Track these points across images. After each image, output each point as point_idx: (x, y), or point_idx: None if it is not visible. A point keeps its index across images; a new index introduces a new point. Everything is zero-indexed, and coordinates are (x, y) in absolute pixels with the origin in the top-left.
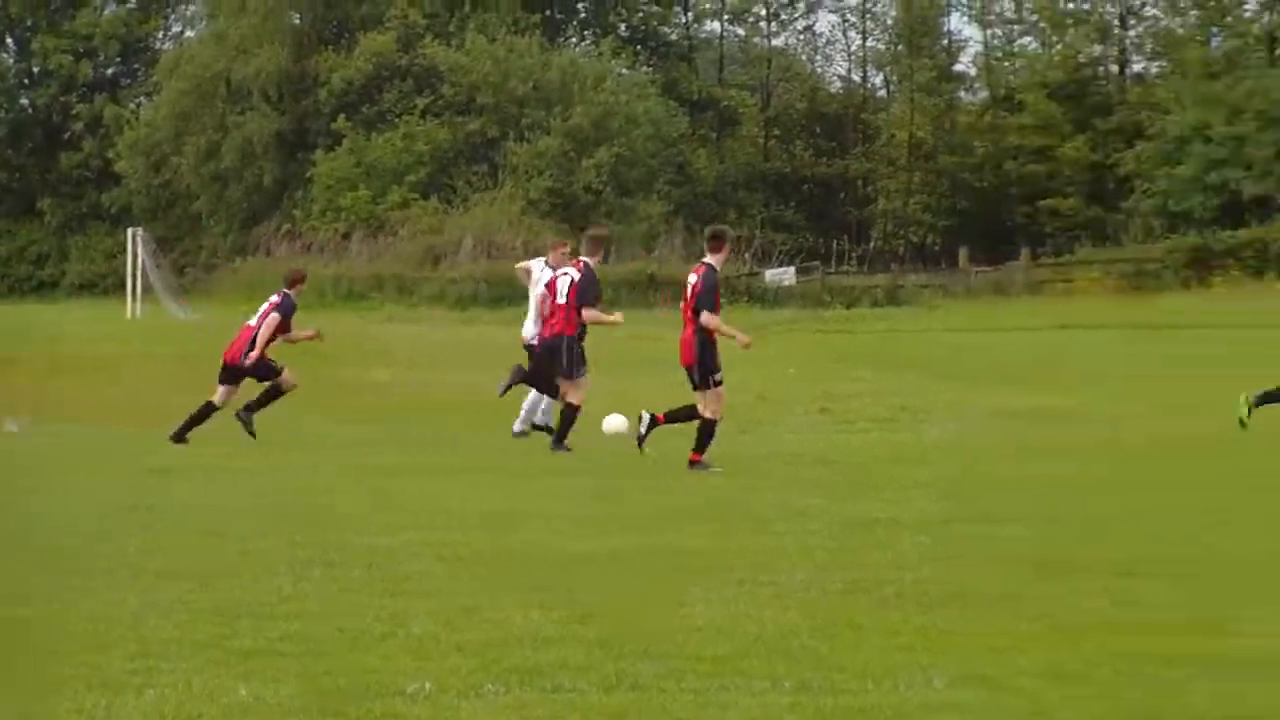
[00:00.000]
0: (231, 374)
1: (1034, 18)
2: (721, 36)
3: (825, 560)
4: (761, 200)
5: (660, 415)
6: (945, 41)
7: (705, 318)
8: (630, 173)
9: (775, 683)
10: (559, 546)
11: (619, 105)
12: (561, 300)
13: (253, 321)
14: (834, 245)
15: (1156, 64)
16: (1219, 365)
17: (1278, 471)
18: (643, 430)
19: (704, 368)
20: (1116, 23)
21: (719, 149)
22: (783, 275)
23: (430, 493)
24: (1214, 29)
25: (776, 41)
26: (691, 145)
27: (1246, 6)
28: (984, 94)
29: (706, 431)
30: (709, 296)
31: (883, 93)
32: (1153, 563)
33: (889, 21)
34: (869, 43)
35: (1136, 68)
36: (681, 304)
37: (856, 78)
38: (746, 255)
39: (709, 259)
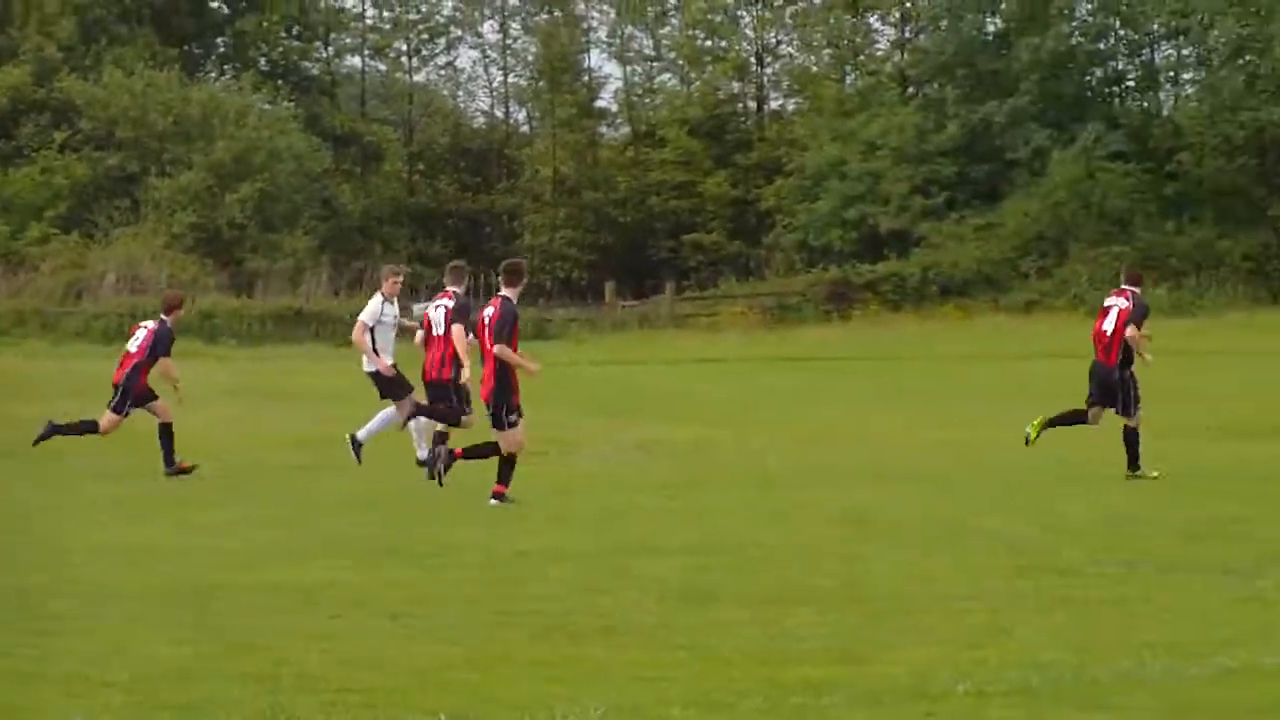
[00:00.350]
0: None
1: (672, 55)
2: (363, 71)
3: (476, 593)
4: (408, 235)
5: (458, 450)
6: (586, 78)
7: (499, 348)
8: (275, 207)
9: (430, 715)
10: (209, 580)
11: (262, 140)
12: (440, 332)
13: (132, 348)
14: (482, 280)
15: (793, 101)
16: (858, 396)
17: (916, 502)
18: (441, 467)
19: (498, 406)
20: (753, 60)
21: (364, 184)
22: None
23: (75, 528)
24: (848, 67)
25: (418, 77)
26: (336, 180)
27: (878, 46)
28: (626, 130)
29: (508, 464)
30: (506, 326)
31: (526, 128)
32: (800, 592)
33: (530, 58)
34: (510, 79)
35: (774, 105)
36: (479, 339)
37: (499, 114)
38: None
39: (505, 291)
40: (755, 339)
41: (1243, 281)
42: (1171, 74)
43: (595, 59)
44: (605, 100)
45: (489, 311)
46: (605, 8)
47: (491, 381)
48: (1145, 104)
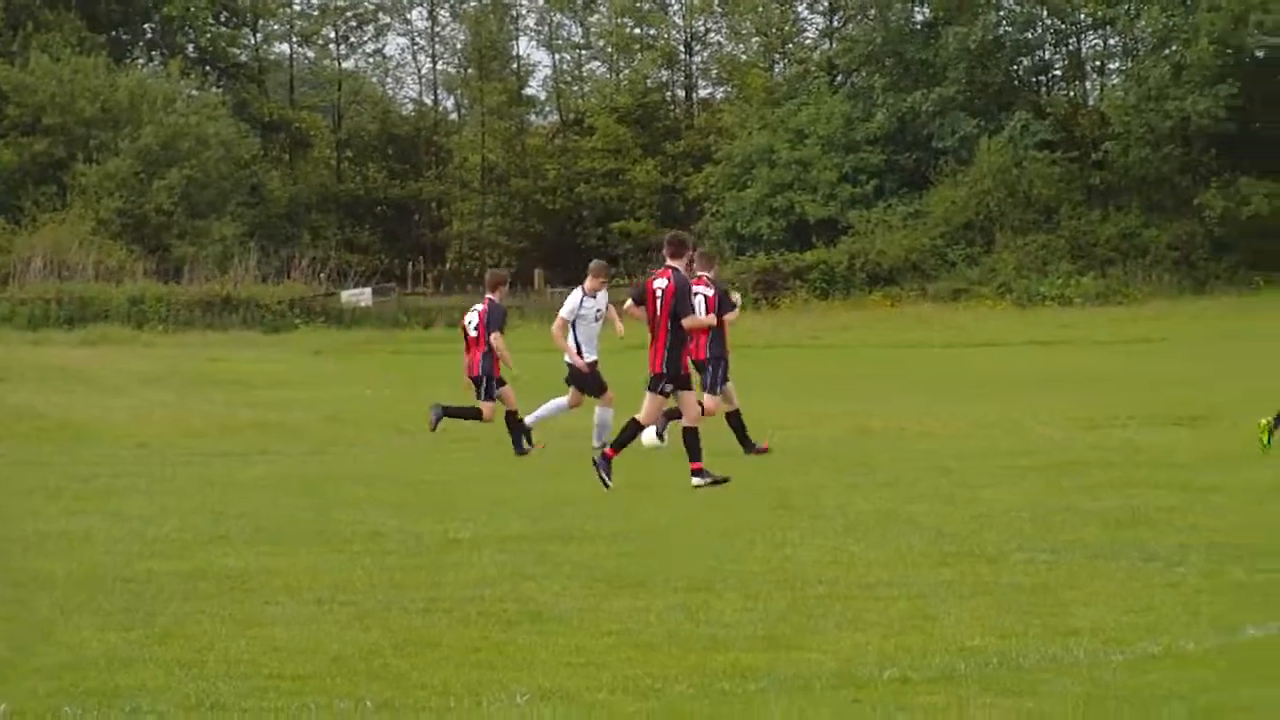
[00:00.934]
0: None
1: (601, 43)
2: (291, 58)
3: (404, 580)
4: (336, 222)
5: (609, 450)
6: (515, 65)
7: (687, 321)
8: (202, 194)
9: (358, 702)
10: (138, 567)
11: (189, 126)
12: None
13: (472, 333)
14: (410, 266)
15: (722, 89)
16: (787, 384)
17: (844, 489)
18: (607, 475)
19: (668, 376)
20: (682, 49)
21: (292, 170)
22: (359, 296)
23: (6, 516)
24: (776, 56)
25: (347, 64)
26: (264, 166)
27: (806, 35)
28: (555, 117)
29: (692, 439)
30: (684, 300)
31: (454, 116)
32: (728, 578)
33: (458, 45)
34: (439, 66)
35: (703, 93)
36: (645, 313)
37: (428, 101)
38: (322, 276)
39: (672, 263)
40: None
41: (1168, 270)
42: (1098, 63)
43: (524, 46)
44: (534, 88)
45: (661, 284)
46: None
47: (662, 356)
48: (1072, 93)
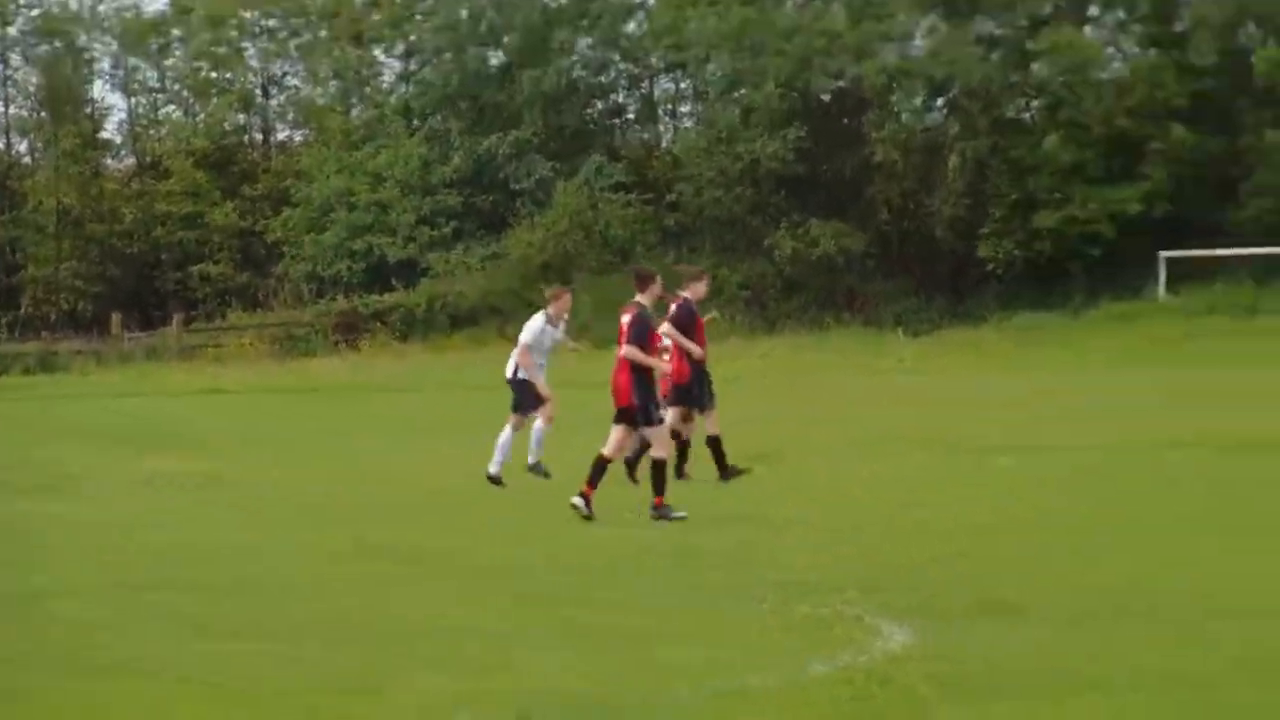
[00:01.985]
0: None
1: (177, 86)
2: None
3: None
4: None
5: (586, 489)
6: (90, 109)
7: (627, 350)
8: None
9: None
10: None
11: None
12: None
13: None
14: None
15: (300, 132)
16: (372, 427)
17: (424, 533)
18: (587, 511)
19: (643, 406)
20: (259, 92)
21: None
22: None
23: None
24: (353, 99)
25: None
26: None
27: (383, 78)
28: (131, 160)
29: (658, 472)
30: (639, 331)
31: (28, 159)
32: (321, 624)
33: (31, 89)
34: (12, 110)
35: (281, 136)
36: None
37: (1, 145)
38: None
39: (639, 298)
40: (261, 369)
41: (740, 310)
42: (670, 107)
43: (99, 90)
44: (109, 131)
45: (625, 319)
46: (108, 40)
47: (629, 389)
48: (646, 136)
